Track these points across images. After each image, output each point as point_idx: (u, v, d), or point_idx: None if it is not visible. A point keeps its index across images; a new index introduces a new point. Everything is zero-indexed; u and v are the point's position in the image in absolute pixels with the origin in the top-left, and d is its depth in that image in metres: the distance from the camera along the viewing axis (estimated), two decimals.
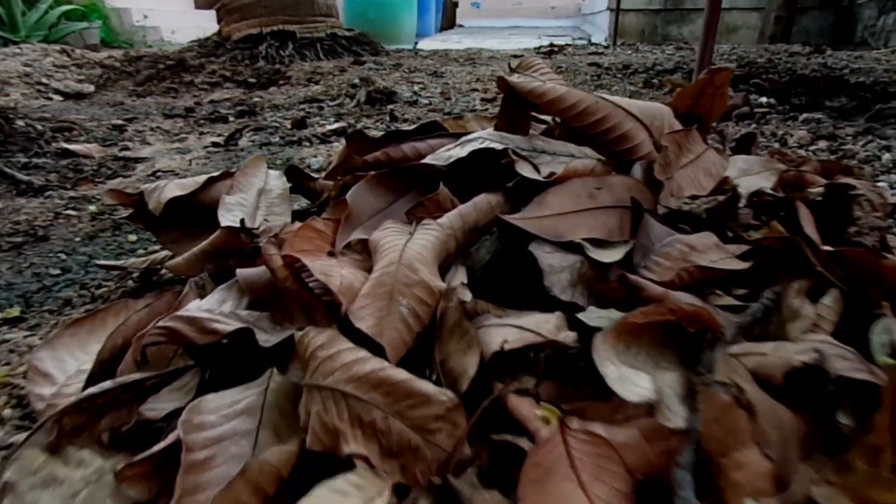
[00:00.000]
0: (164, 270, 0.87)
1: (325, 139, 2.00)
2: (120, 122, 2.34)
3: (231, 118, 2.44)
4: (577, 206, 0.60)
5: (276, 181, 0.84)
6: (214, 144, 2.03)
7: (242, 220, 0.69)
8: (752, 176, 0.78)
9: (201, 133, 2.22)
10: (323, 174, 0.86)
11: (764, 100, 2.01)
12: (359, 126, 2.12)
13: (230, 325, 0.52)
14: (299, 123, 2.18)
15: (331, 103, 2.56)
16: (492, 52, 4.95)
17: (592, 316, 0.52)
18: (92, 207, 1.43)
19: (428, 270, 0.51)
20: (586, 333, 0.49)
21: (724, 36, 6.15)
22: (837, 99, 2.98)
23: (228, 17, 4.43)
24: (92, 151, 1.92)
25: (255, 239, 0.66)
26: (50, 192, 1.56)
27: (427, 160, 0.64)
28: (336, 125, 2.09)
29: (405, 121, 2.12)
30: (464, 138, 0.67)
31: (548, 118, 0.84)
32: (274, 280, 0.53)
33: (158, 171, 1.76)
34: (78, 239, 1.25)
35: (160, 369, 0.55)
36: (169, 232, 0.80)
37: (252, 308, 0.59)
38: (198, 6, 7.26)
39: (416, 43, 6.41)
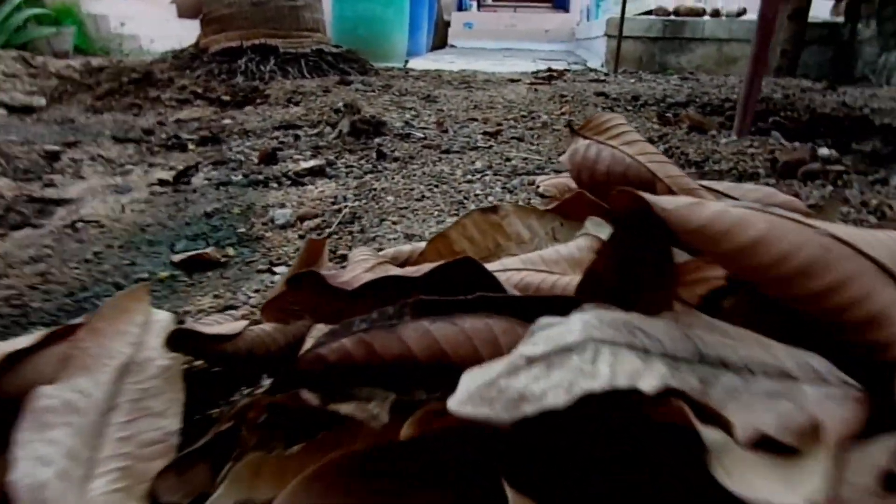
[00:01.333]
0: None
1: (297, 180, 1.60)
2: (56, 147, 1.91)
3: (191, 146, 2.03)
4: None
5: (160, 339, 0.44)
6: (161, 182, 1.62)
7: None
8: None
9: (150, 165, 1.81)
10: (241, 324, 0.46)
11: (825, 150, 1.64)
12: (339, 164, 1.73)
13: None
14: (268, 157, 1.78)
15: (309, 131, 2.16)
16: (487, 75, 4.57)
17: None
18: None
19: None
20: None
21: (723, 67, 5.87)
22: (866, 142, 2.65)
23: (207, 29, 4.02)
24: (2, 189, 1.50)
25: None
26: None
27: (468, 412, 0.25)
28: (312, 162, 1.69)
29: (395, 160, 1.72)
30: (546, 342, 0.28)
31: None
32: None
33: (81, 218, 1.35)
34: None
35: None
36: None
37: None
38: (181, 15, 6.83)
39: (406, 62, 6.04)
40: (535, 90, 3.48)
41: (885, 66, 5.56)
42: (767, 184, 1.45)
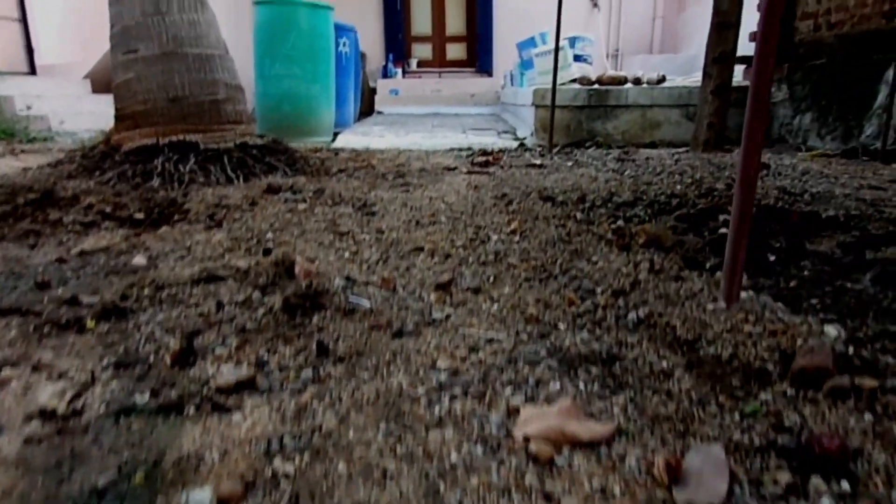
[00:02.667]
0: None
1: (219, 404, 1.23)
2: None
3: (90, 322, 1.63)
4: None
5: None
6: (44, 414, 1.23)
7: None
8: None
9: (35, 367, 1.41)
10: None
11: (833, 330, 1.40)
12: (272, 365, 1.38)
13: None
14: (183, 356, 1.41)
15: (235, 293, 1.79)
16: (420, 158, 4.30)
17: None
18: None
19: None
20: None
21: (647, 132, 5.79)
22: (819, 240, 2.49)
23: (120, 125, 3.60)
24: None
25: None
26: None
27: None
28: (238, 371, 1.33)
29: (340, 359, 1.38)
30: None
31: None
32: None
33: None
34: None
35: None
36: None
37: None
38: (95, 90, 6.30)
39: (335, 135, 5.72)
40: (476, 188, 3.22)
41: (800, 127, 5.60)
42: (785, 393, 1.18)
